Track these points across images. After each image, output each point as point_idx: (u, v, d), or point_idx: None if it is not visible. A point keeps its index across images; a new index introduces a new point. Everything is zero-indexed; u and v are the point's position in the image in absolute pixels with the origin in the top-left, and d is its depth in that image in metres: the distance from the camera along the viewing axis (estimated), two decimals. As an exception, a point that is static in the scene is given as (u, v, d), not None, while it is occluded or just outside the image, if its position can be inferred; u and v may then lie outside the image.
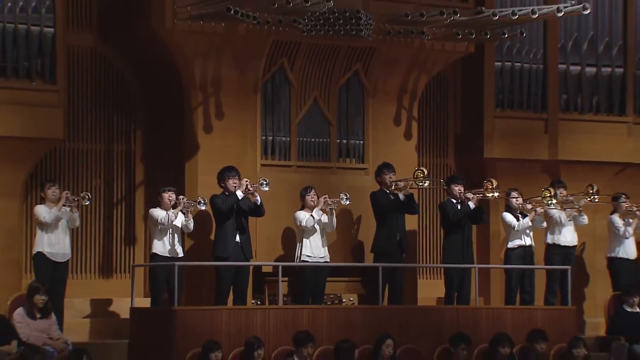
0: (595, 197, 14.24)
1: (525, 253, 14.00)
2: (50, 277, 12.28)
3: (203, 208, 12.71)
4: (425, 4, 13.92)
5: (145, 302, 12.89)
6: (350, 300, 13.67)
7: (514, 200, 14.00)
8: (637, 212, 14.67)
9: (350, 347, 12.02)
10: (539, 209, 13.98)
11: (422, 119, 14.90)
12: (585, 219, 14.48)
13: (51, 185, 12.60)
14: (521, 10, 13.77)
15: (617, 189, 14.94)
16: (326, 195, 13.22)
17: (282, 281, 12.73)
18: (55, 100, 12.82)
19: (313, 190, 13.27)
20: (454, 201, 13.77)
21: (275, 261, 13.35)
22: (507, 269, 14.05)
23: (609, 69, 15.54)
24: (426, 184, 13.51)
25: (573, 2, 14.17)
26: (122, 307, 13.14)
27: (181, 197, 12.79)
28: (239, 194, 12.87)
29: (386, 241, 13.51)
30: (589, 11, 13.95)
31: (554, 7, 13.85)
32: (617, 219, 14.71)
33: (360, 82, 14.12)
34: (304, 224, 13.13)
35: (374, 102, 14.17)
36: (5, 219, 12.76)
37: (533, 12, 13.66)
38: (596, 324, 14.90)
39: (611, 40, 15.56)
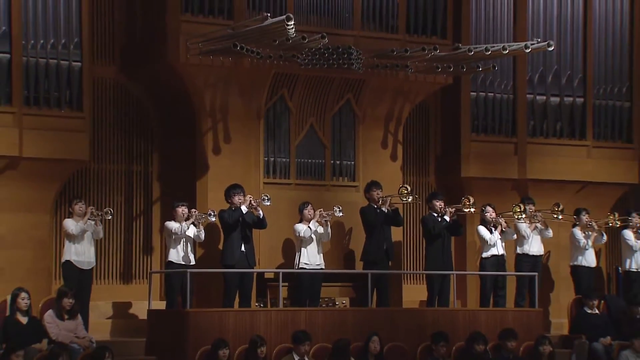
0: (560, 215, 14.21)
1: (498, 261, 14.00)
2: (77, 282, 12.26)
3: (213, 219, 12.70)
4: (408, 41, 13.97)
5: (161, 305, 12.87)
6: (342, 303, 13.65)
7: (488, 214, 14.01)
8: (596, 226, 14.70)
9: (346, 345, 12.02)
10: (504, 224, 13.97)
11: (406, 142, 14.89)
12: (550, 233, 14.48)
13: (78, 201, 12.59)
14: (493, 46, 13.76)
15: (578, 205, 14.92)
16: (321, 209, 13.22)
17: (283, 286, 12.73)
18: (81, 126, 12.80)
19: (310, 205, 13.26)
20: (435, 215, 13.78)
21: (276, 268, 13.31)
22: (481, 276, 14.03)
23: (571, 99, 15.53)
24: (410, 199, 13.52)
25: (539, 40, 14.16)
26: (140, 309, 13.10)
27: (193, 210, 12.79)
28: (244, 208, 12.86)
29: (374, 250, 13.50)
30: (553, 48, 13.95)
31: (522, 44, 13.87)
32: (578, 232, 14.70)
33: (351, 109, 14.12)
34: (302, 234, 13.12)
35: (364, 127, 14.16)
36: (37, 231, 12.74)
37: (504, 49, 13.67)
38: (560, 324, 14.85)
39: (573, 74, 15.55)
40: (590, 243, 14.68)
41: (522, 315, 13.69)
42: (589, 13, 15.58)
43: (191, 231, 12.74)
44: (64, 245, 12.55)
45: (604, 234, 14.91)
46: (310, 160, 13.90)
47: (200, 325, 12.01)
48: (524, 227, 14.31)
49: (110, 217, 12.73)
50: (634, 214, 14.98)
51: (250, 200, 12.90)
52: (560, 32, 15.45)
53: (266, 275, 13.31)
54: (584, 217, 14.69)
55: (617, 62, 15.84)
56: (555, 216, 14.22)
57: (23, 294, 11.47)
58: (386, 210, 13.52)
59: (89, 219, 12.47)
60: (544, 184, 15.15)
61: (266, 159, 13.66)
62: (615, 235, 15.43)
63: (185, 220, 12.67)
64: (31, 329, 11.41)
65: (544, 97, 15.42)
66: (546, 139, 15.40)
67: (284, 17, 12.14)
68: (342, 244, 13.91)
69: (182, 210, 12.76)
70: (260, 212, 12.91)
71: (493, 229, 14.00)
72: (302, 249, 13.19)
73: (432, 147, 15.37)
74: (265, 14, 12.48)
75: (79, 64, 12.78)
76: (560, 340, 14.05)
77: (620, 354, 13.43)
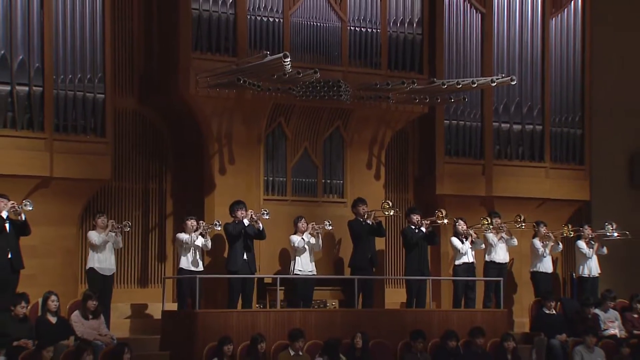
0: (523, 224, 14.28)
1: (469, 268, 13.99)
2: (100, 287, 12.22)
3: (218, 229, 12.69)
4: (390, 75, 13.97)
5: (173, 306, 12.83)
6: (332, 304, 13.57)
7: (460, 227, 14.03)
8: (553, 237, 14.72)
9: (335, 343, 12.01)
10: (474, 234, 14.00)
11: (388, 164, 14.83)
12: (515, 242, 14.49)
13: (100, 215, 12.58)
14: (464, 80, 13.84)
15: (538, 219, 14.88)
16: (313, 222, 13.22)
17: (280, 290, 12.71)
18: (104, 149, 12.78)
19: (303, 219, 13.24)
20: (413, 227, 13.79)
21: (274, 274, 13.26)
22: (454, 281, 14.01)
23: (531, 126, 15.51)
24: (391, 213, 13.52)
25: (503, 75, 14.23)
26: (155, 310, 13.05)
27: (201, 221, 12.78)
28: (246, 222, 12.85)
29: (360, 258, 13.47)
30: (515, 82, 14.06)
31: (489, 78, 13.96)
32: (537, 242, 14.69)
33: (340, 135, 14.12)
34: (296, 244, 13.10)
35: (351, 151, 14.15)
36: (65, 242, 12.70)
37: (473, 82, 13.74)
38: (522, 323, 14.81)
39: (533, 104, 15.55)
40: (547, 252, 14.68)
41: (489, 315, 13.68)
42: (546, 52, 15.61)
43: (199, 241, 12.72)
44: (88, 254, 12.51)
45: (560, 244, 14.90)
46: (304, 180, 13.88)
47: (207, 324, 11.98)
48: (491, 237, 14.32)
49: (128, 229, 12.69)
50: (586, 226, 15.00)
51: (252, 215, 12.89)
52: (522, 68, 15.47)
53: (265, 280, 13.25)
54: (543, 229, 14.70)
55: (571, 95, 15.85)
56: (518, 225, 14.23)
57: (53, 297, 11.42)
58: (371, 223, 13.52)
59: (110, 231, 12.44)
60: (508, 200, 15.13)
61: (266, 178, 13.64)
62: (569, 245, 15.44)
63: (194, 232, 12.65)
64: (60, 328, 11.36)
65: (508, 125, 15.42)
66: (510, 161, 15.39)
67: (281, 54, 12.22)
68: (332, 253, 13.88)
69: (191, 223, 12.73)
70: (260, 225, 12.90)
71: (464, 239, 14.01)
72: (297, 257, 13.15)
73: (411, 168, 15.34)
74: (265, 52, 12.53)
75: (103, 95, 12.78)
76: (522, 337, 14.01)
77: (574, 349, 13.45)
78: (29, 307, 11.37)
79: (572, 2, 15.84)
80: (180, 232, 12.83)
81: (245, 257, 12.88)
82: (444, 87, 13.74)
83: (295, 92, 13.17)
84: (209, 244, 12.81)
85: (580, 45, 15.86)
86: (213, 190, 13.38)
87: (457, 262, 14.03)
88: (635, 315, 14.40)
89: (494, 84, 13.83)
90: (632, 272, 15.78)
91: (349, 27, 13.82)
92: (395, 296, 14.35)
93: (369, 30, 13.97)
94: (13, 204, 11.68)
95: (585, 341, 13.39)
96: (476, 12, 15.22)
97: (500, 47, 15.32)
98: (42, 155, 12.38)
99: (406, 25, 14.23)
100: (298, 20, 13.53)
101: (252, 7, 13.24)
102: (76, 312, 11.63)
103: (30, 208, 11.64)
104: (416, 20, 14.28)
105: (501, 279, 14.03)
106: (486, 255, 14.38)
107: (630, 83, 16.55)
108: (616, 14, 16.42)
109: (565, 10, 15.81)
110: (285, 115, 13.72)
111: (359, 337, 12.22)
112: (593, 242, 14.85)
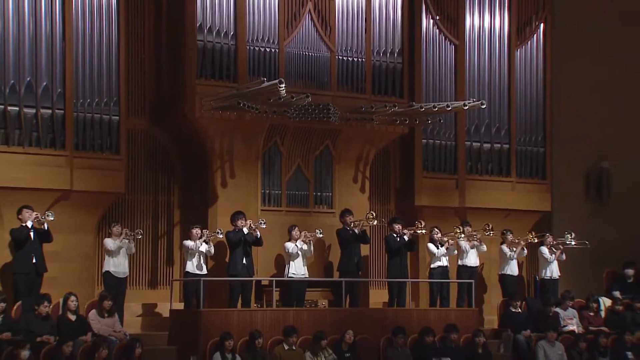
0: (491, 232, 14.37)
1: (443, 271, 14.01)
2: (115, 288, 12.24)
3: (220, 236, 12.70)
4: (374, 99, 14.03)
5: (180, 306, 12.85)
6: (322, 304, 13.57)
7: (436, 235, 14.11)
8: (522, 243, 14.71)
9: (321, 336, 12.05)
10: (451, 241, 14.09)
11: (372, 178, 14.87)
12: (484, 248, 14.53)
13: (115, 224, 12.61)
14: (439, 104, 13.91)
15: (505, 227, 14.93)
16: (306, 230, 13.26)
17: (275, 291, 12.72)
18: (119, 165, 12.82)
19: (297, 228, 13.26)
20: (395, 235, 13.84)
21: (270, 277, 13.28)
22: (430, 282, 14.03)
23: (499, 145, 15.56)
24: (375, 222, 13.56)
25: (474, 99, 14.31)
26: (164, 309, 13.05)
27: (205, 230, 12.79)
28: (245, 230, 12.85)
29: (347, 263, 13.48)
30: (485, 106, 14.13)
31: (461, 102, 14.03)
32: (505, 247, 14.73)
33: (329, 152, 14.16)
34: (290, 250, 13.12)
35: (339, 166, 14.19)
36: (84, 248, 12.70)
37: (447, 106, 13.82)
38: (491, 320, 14.83)
39: (500, 126, 15.62)
40: (514, 256, 14.72)
41: (462, 313, 13.71)
42: (512, 79, 15.66)
43: (203, 248, 12.73)
44: (104, 259, 12.54)
45: (525, 249, 14.97)
46: (297, 192, 13.91)
47: (210, 321, 11.99)
48: (463, 244, 14.38)
49: (140, 237, 12.66)
50: (548, 234, 15.09)
51: (251, 224, 12.91)
52: (491, 93, 15.52)
53: (262, 283, 13.26)
54: (509, 236, 14.78)
55: (535, 117, 15.91)
56: (487, 233, 14.29)
57: (72, 297, 11.46)
58: (357, 232, 13.56)
59: (124, 238, 12.46)
60: (478, 210, 15.17)
61: (263, 191, 13.67)
62: (533, 251, 15.51)
63: (199, 239, 12.68)
64: (78, 325, 11.38)
65: (479, 144, 15.48)
66: (480, 176, 15.43)
67: (276, 80, 12.29)
68: (323, 258, 13.91)
69: (196, 231, 12.74)
70: (258, 233, 12.92)
71: (439, 245, 14.05)
72: (291, 262, 13.16)
73: (392, 182, 15.36)
74: (262, 79, 12.60)
75: (117, 117, 12.82)
76: (491, 333, 14.05)
77: (537, 343, 13.52)
78: (51, 307, 11.40)
79: (535, 35, 16.00)
80: (186, 240, 12.84)
81: (244, 261, 12.89)
82: (421, 110, 13.83)
83: (289, 114, 13.22)
84: (212, 250, 12.82)
85: (542, 73, 15.98)
86: (216, 202, 13.41)
87: (433, 266, 14.06)
88: (591, 313, 14.51)
89: (466, 108, 13.91)
90: (588, 275, 15.86)
91: (337, 57, 13.90)
92: (378, 296, 14.36)
93: (355, 59, 14.06)
94: (37, 214, 11.76)
95: (547, 336, 13.48)
96: (450, 43, 15.34)
97: (472, 75, 15.41)
98: (63, 171, 12.41)
99: (388, 55, 14.32)
100: (292, 50, 13.62)
101: (250, 39, 13.33)
102: (93, 311, 11.66)
103: (52, 218, 11.73)
104: (397, 50, 14.38)
105: (472, 281, 14.07)
106: (459, 260, 14.43)
107: (587, 107, 16.68)
108: (574, 45, 16.56)
109: (529, 42, 15.96)
110: (281, 135, 13.78)
111: (350, 333, 12.22)
112: (555, 250, 14.93)
